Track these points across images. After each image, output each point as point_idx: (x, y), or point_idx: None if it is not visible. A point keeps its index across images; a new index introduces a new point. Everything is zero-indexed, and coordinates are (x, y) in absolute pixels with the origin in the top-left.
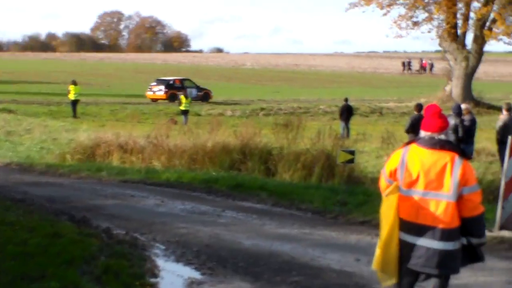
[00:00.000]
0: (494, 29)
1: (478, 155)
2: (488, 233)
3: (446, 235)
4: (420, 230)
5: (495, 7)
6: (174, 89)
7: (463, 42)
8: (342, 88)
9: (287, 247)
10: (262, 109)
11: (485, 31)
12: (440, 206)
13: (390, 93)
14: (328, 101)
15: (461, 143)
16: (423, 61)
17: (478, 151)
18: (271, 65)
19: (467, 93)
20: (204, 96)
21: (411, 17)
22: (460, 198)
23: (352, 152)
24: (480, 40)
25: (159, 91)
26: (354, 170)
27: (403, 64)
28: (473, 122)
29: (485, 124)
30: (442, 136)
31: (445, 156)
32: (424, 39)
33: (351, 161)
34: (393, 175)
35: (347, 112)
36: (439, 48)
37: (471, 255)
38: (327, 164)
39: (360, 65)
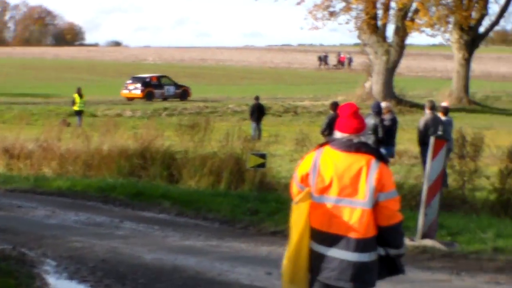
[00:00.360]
0: (417, 20)
1: (400, 158)
2: (409, 242)
3: (361, 245)
4: (333, 240)
5: None
6: (150, 87)
7: (383, 35)
8: (253, 85)
9: (193, 261)
10: (165, 108)
11: (407, 22)
12: (354, 214)
13: (305, 90)
14: (238, 99)
15: (381, 145)
16: (341, 55)
17: (400, 153)
18: (175, 60)
19: (388, 90)
20: (183, 93)
21: (328, 7)
22: (376, 205)
23: (263, 156)
24: (401, 32)
25: (135, 89)
26: (266, 175)
27: (319, 58)
28: (394, 121)
29: (408, 124)
30: (360, 138)
31: (360, 160)
32: (342, 31)
33: (262, 165)
34: (304, 180)
35: (258, 112)
36: (358, 41)
37: (390, 267)
38: (237, 169)
39: (272, 59)
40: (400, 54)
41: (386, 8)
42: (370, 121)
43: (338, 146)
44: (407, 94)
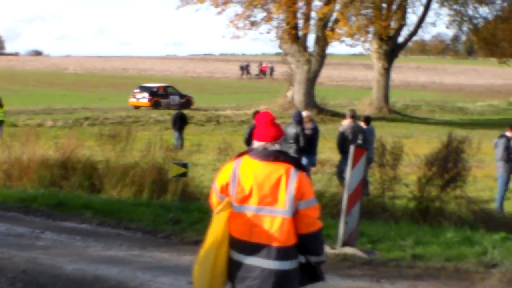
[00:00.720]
0: (337, 30)
1: (321, 166)
2: (330, 250)
3: (282, 253)
4: (254, 249)
5: (337, 6)
6: (157, 96)
7: (304, 44)
8: None
9: (114, 271)
10: (87, 118)
11: (328, 32)
12: (275, 222)
13: (228, 99)
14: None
15: (303, 154)
16: (263, 65)
17: (321, 162)
18: (96, 69)
19: (309, 99)
20: (186, 103)
21: (249, 16)
22: (296, 214)
23: (185, 165)
24: (322, 42)
25: (143, 98)
26: (188, 185)
27: (241, 68)
28: (315, 130)
29: (329, 132)
30: (277, 146)
31: (279, 169)
32: (264, 41)
33: (184, 174)
34: (224, 190)
35: (180, 121)
36: (280, 51)
37: (311, 274)
38: (159, 179)
39: (194, 69)
40: (321, 64)
41: (307, 18)
42: (292, 130)
43: (257, 155)
44: (328, 103)
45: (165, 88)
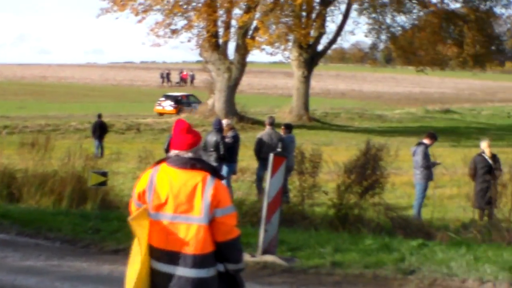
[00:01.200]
0: (257, 38)
1: (242, 174)
2: (250, 258)
3: (199, 261)
4: (171, 257)
5: (257, 14)
6: (181, 104)
7: (225, 52)
8: (95, 102)
9: (32, 281)
10: (6, 126)
11: (248, 40)
12: (190, 230)
13: (148, 107)
14: (80, 117)
15: (223, 162)
16: (183, 73)
17: (242, 170)
18: (16, 77)
19: (230, 107)
20: None
21: (169, 24)
22: (213, 221)
23: (104, 174)
24: (242, 50)
25: (169, 106)
26: (108, 194)
27: (162, 75)
28: (236, 138)
29: (250, 140)
30: (190, 154)
31: (196, 176)
32: (184, 49)
33: (104, 183)
34: (142, 197)
35: (100, 129)
36: (201, 59)
37: (230, 282)
38: (79, 188)
39: (114, 77)
40: (241, 72)
41: (227, 26)
42: (212, 138)
43: (174, 163)
44: (249, 111)
45: (187, 96)
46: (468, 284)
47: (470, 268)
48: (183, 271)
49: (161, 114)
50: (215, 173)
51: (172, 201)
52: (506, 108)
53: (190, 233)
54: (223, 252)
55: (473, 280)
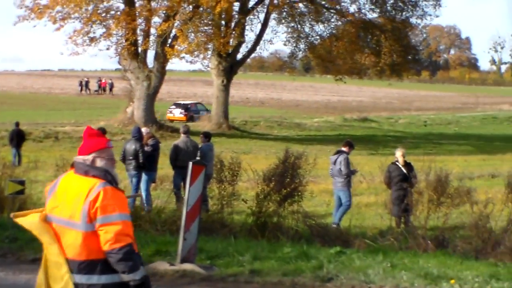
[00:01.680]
0: (177, 47)
1: (161, 183)
2: (169, 267)
3: (82, 267)
4: (67, 261)
5: (176, 23)
6: (190, 112)
7: (144, 60)
8: (12, 110)
9: None
10: None
11: (167, 49)
12: (71, 235)
13: (67, 115)
14: None
15: (143, 170)
16: (102, 81)
17: (161, 178)
18: None
19: (149, 115)
20: None
21: (88, 32)
22: (98, 228)
23: (22, 182)
24: (162, 58)
25: (180, 113)
26: (25, 202)
27: (81, 83)
28: (155, 147)
29: (169, 149)
30: (90, 158)
31: (86, 183)
32: (103, 57)
33: (21, 192)
34: (46, 200)
35: (18, 138)
36: (120, 67)
37: None
38: None
39: (32, 85)
40: (161, 80)
41: (146, 34)
42: (131, 146)
43: (76, 169)
44: (168, 120)
45: (195, 104)
46: None
47: (387, 275)
48: (74, 276)
49: (171, 121)
50: (107, 179)
51: (62, 205)
52: (422, 117)
53: (71, 238)
54: (111, 260)
55: (390, 287)
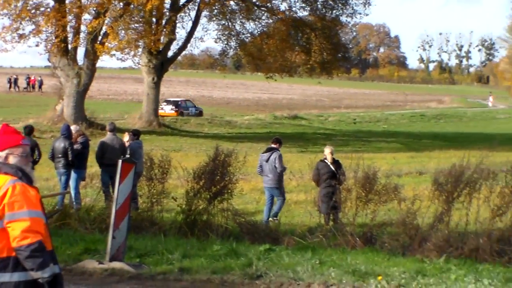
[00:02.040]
0: (107, 44)
1: (91, 181)
2: (98, 265)
3: None
4: None
5: (107, 20)
6: (180, 108)
7: (74, 58)
8: None
9: None
10: None
11: (97, 46)
12: None
13: None
14: None
15: (72, 168)
16: (32, 78)
17: (91, 176)
18: None
19: (79, 112)
20: (199, 113)
21: (17, 29)
22: (6, 225)
23: None
24: (92, 56)
25: (170, 109)
26: None
27: (9, 80)
28: (85, 145)
29: None
30: (4, 154)
31: None
32: (33, 54)
33: None
34: None
35: None
36: (49, 64)
37: None
38: None
39: None
40: (91, 77)
41: (77, 31)
42: (60, 144)
43: None
44: (98, 117)
45: (185, 101)
46: None
47: (315, 272)
48: None
49: (162, 116)
50: (18, 176)
51: None
52: (351, 114)
53: None
54: (20, 258)
55: (318, 284)
